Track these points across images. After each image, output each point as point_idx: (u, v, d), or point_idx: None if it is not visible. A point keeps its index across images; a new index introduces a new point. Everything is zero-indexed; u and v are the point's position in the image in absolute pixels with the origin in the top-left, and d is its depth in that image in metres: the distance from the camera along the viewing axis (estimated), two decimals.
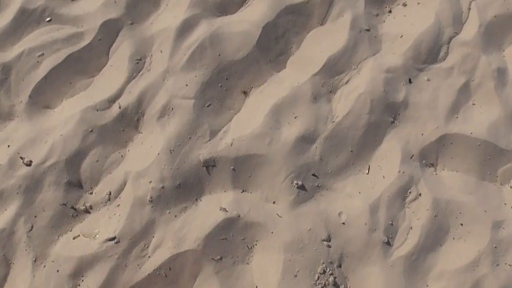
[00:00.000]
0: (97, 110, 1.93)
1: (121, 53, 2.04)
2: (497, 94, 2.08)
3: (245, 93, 2.04)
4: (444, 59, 2.17)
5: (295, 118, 1.96)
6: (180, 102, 1.95)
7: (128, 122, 1.94)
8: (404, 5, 2.30)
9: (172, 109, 1.95)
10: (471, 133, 1.98)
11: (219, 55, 2.04)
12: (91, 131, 1.89)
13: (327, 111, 1.99)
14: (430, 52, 2.16)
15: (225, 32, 2.07)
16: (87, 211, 1.81)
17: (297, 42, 2.17)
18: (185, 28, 2.06)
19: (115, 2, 2.12)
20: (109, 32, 2.08)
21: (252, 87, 2.06)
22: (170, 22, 2.08)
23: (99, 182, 1.86)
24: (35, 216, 1.77)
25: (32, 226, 1.75)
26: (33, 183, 1.81)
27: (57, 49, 2.04)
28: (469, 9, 2.29)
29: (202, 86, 1.99)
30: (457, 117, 2.04)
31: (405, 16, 2.27)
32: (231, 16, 2.15)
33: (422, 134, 1.99)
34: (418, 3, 2.30)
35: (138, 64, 2.03)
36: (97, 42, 2.06)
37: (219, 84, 2.02)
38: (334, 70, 2.08)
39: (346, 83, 2.08)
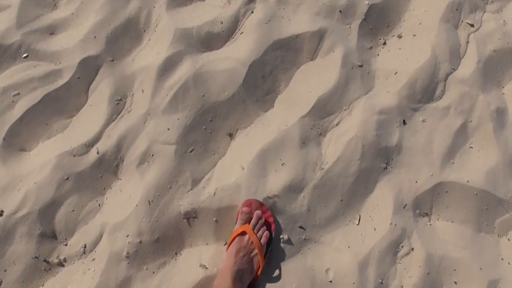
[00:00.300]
0: (74, 156, 1.84)
1: (101, 92, 1.95)
2: (495, 137, 1.98)
3: (231, 135, 1.95)
4: (441, 98, 2.07)
5: (282, 165, 1.87)
6: (161, 148, 1.85)
7: (107, 168, 1.85)
8: (399, 37, 2.20)
9: (153, 155, 1.85)
10: (468, 181, 1.89)
11: (203, 95, 1.94)
12: (67, 178, 1.80)
13: (316, 157, 1.89)
14: (425, 91, 2.06)
15: (209, 71, 1.97)
16: (60, 264, 1.73)
17: (286, 80, 2.07)
18: (168, 66, 1.96)
19: (95, 37, 2.02)
20: (88, 69, 1.98)
21: (238, 129, 1.96)
22: (152, 59, 1.98)
23: (74, 233, 1.77)
24: (5, 270, 1.69)
25: (1, 281, 1.66)
26: (4, 235, 1.73)
27: (34, 87, 1.95)
28: (468, 42, 2.19)
29: (184, 130, 1.89)
30: (453, 163, 1.95)
31: (400, 49, 2.17)
32: (217, 52, 2.05)
33: (416, 182, 1.90)
34: (414, 35, 2.19)
35: (118, 104, 1.94)
36: (76, 80, 1.96)
37: (203, 127, 1.92)
38: (324, 111, 1.99)
39: (337, 125, 1.99)
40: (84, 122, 1.92)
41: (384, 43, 2.18)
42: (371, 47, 2.15)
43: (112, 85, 1.93)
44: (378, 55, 2.16)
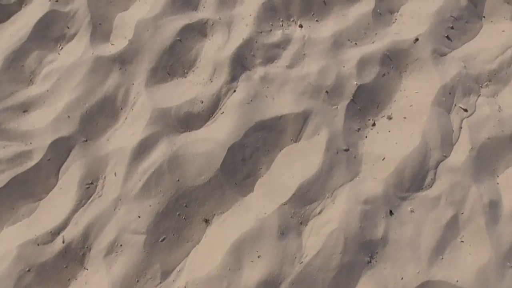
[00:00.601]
0: (38, 245, 1.79)
1: (72, 175, 1.92)
2: (488, 233, 1.93)
3: (207, 221, 1.90)
4: (431, 187, 2.02)
5: (258, 257, 1.80)
6: (130, 237, 1.79)
7: (72, 258, 1.80)
8: (389, 118, 2.16)
9: (121, 245, 1.79)
10: (457, 281, 1.82)
11: (178, 180, 1.90)
12: (29, 270, 1.75)
13: (296, 249, 1.83)
14: (414, 179, 2.00)
15: (186, 153, 1.94)
16: None
17: (267, 162, 2.03)
18: (142, 149, 1.94)
19: (69, 117, 2.01)
20: (59, 151, 1.96)
21: (215, 214, 1.92)
22: (127, 141, 1.97)
23: None
24: None
25: None
26: None
27: (1, 170, 1.91)
28: (461, 127, 2.14)
29: (156, 218, 1.84)
30: (442, 259, 1.88)
31: (389, 131, 2.13)
32: (196, 132, 2.03)
33: (402, 278, 1.83)
34: (405, 118, 2.15)
35: (88, 188, 1.90)
36: (46, 162, 1.94)
37: (177, 213, 1.87)
38: (306, 198, 1.94)
39: (319, 213, 1.94)
40: (52, 207, 1.88)
41: (373, 124, 2.14)
42: (359, 129, 2.11)
43: (84, 168, 1.90)
44: (366, 137, 2.11)
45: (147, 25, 2.24)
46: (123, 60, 2.19)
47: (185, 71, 2.22)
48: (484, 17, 2.55)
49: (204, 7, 2.37)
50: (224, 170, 2.01)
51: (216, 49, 2.24)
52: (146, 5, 2.34)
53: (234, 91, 2.18)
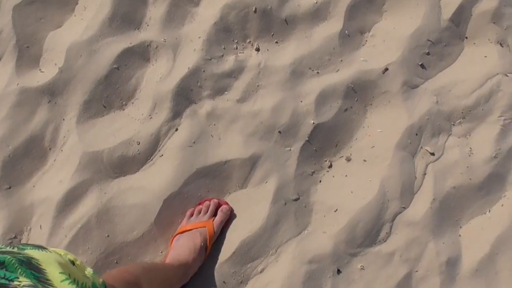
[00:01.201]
0: None
1: None
2: None
3: None
4: (385, 241, 1.93)
5: None
6: None
7: None
8: (348, 160, 2.02)
9: None
10: None
11: (108, 236, 1.79)
12: None
13: None
14: (368, 234, 1.91)
15: (118, 206, 1.84)
16: None
17: None
18: (69, 200, 1.84)
19: None
20: None
21: None
22: (54, 189, 1.86)
23: None
24: None
25: None
26: None
27: None
28: (425, 174, 2.01)
29: None
30: None
31: (346, 176, 2.00)
32: (131, 178, 1.91)
33: None
34: (365, 161, 2.01)
35: (11, 243, 1.76)
36: None
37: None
38: (248, 256, 1.86)
39: (261, 272, 1.87)
40: None
41: (330, 166, 2.00)
42: (313, 172, 1.97)
43: (6, 220, 1.80)
44: (320, 181, 1.98)
45: (80, 50, 2.01)
46: (52, 91, 1.99)
47: (123, 102, 2.03)
48: (466, 37, 2.31)
49: (148, 25, 2.12)
50: (159, 224, 1.88)
51: (158, 79, 2.03)
52: (82, 22, 2.10)
53: (176, 129, 2.00)
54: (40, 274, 0.82)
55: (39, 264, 0.84)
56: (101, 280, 1.07)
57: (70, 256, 1.02)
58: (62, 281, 0.84)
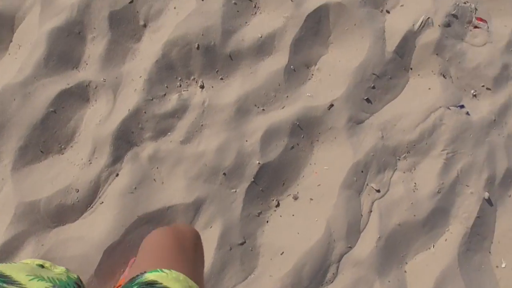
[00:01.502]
0: None
1: None
2: None
3: None
4: (332, 282, 1.92)
5: None
6: None
7: None
8: (295, 198, 2.00)
9: None
10: None
11: None
12: None
13: None
14: (314, 276, 1.90)
15: (56, 258, 1.83)
16: None
17: None
18: (4, 255, 1.81)
19: None
20: None
21: None
22: None
23: None
24: None
25: None
26: None
27: None
28: (370, 211, 2.01)
29: None
30: None
31: (293, 215, 1.98)
32: (70, 227, 1.85)
33: None
34: (311, 199, 2.00)
35: None
36: None
37: None
38: None
39: None
40: None
41: (277, 205, 1.98)
42: (260, 213, 1.95)
43: None
44: (267, 222, 1.96)
45: (14, 93, 1.92)
46: None
47: (62, 146, 1.96)
48: (411, 68, 2.33)
49: (87, 64, 2.04)
50: (100, 275, 1.83)
51: (98, 122, 1.96)
52: (16, 62, 2.00)
53: (117, 174, 1.94)
54: (6, 278, 0.86)
55: (3, 272, 0.88)
56: (75, 275, 1.09)
57: (38, 261, 1.06)
58: (30, 280, 0.88)
